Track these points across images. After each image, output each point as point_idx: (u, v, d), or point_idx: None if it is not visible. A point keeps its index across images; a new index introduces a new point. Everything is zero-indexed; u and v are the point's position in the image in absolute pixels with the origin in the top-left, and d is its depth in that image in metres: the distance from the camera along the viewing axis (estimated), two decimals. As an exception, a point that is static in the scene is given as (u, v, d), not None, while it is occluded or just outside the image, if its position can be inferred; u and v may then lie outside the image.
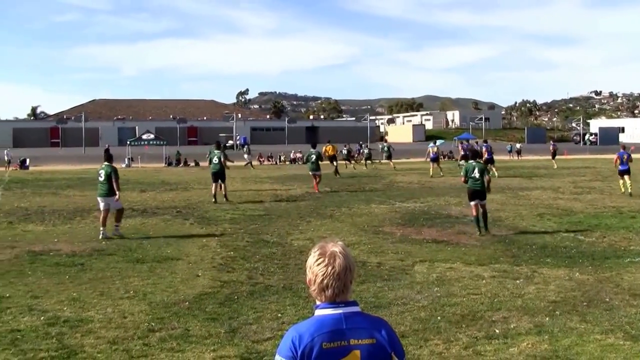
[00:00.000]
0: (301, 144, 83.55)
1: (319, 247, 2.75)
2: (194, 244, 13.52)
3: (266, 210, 19.84)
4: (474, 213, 14.73)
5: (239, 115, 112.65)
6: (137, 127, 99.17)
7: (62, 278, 10.26)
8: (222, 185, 21.83)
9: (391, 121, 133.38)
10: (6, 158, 51.45)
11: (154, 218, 17.86)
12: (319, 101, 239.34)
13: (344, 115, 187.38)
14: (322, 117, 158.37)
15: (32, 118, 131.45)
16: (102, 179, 14.80)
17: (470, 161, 15.14)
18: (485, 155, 32.50)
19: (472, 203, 14.71)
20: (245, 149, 54.57)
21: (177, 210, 19.49)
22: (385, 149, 45.81)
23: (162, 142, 58.31)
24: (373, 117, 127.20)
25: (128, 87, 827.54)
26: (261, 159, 59.71)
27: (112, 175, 14.59)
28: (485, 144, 35.81)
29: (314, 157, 25.84)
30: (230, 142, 56.56)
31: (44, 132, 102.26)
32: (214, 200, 21.41)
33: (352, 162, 48.83)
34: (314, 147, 26.65)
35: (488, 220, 14.84)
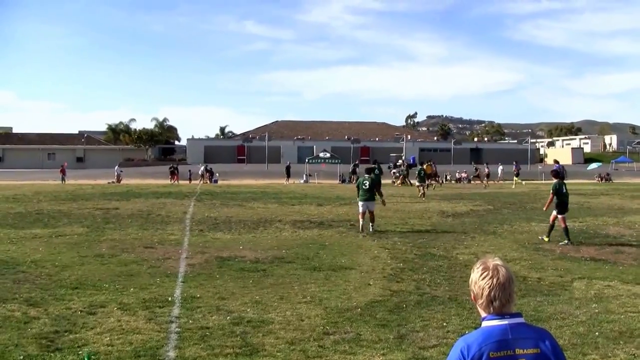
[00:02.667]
0: (466, 164, 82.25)
1: (481, 263, 2.81)
2: (366, 255, 13.77)
3: (433, 225, 19.85)
4: (564, 224, 15.77)
5: (409, 137, 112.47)
6: (314, 146, 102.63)
7: (246, 282, 10.76)
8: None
9: (551, 144, 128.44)
10: (200, 172, 55.62)
11: (330, 230, 18.41)
12: (483, 124, 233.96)
13: (506, 138, 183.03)
14: (485, 139, 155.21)
15: (221, 137, 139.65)
16: (366, 187, 18.23)
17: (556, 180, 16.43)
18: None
19: (562, 216, 15.86)
20: (399, 168, 54.37)
21: (350, 224, 19.95)
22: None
23: (337, 161, 59.90)
24: (534, 140, 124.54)
25: (308, 109, 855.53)
26: (432, 179, 59.35)
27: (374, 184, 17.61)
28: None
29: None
30: (400, 161, 57.00)
31: (231, 150, 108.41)
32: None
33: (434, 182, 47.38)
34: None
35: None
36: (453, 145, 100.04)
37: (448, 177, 60.61)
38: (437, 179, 54.62)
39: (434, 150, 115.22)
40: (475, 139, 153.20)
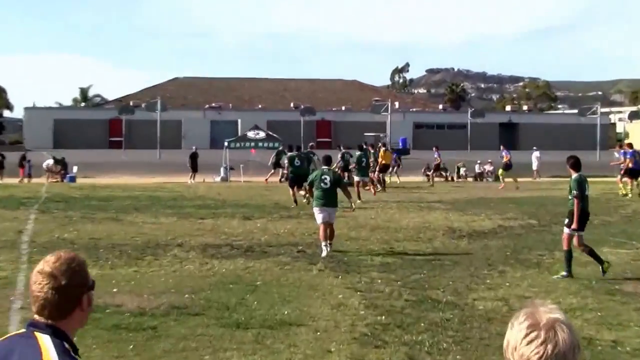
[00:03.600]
0: (491, 149, 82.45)
1: (527, 314, 2.70)
2: (324, 302, 13.84)
3: (436, 251, 20.04)
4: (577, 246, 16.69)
5: (396, 105, 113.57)
6: (239, 121, 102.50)
7: (124, 349, 10.68)
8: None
9: (635, 115, 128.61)
10: (45, 164, 54.53)
11: (264, 260, 18.36)
12: (521, 83, 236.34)
13: (559, 106, 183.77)
14: (525, 108, 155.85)
15: (82, 105, 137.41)
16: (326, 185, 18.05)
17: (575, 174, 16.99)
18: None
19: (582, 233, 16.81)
20: (394, 156, 54.71)
21: (298, 249, 19.99)
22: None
23: (276, 144, 59.68)
24: (606, 110, 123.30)
25: (227, 60, 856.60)
26: (428, 173, 59.67)
27: None
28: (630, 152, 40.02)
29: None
30: (382, 143, 56.66)
31: (99, 127, 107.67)
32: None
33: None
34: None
35: None
36: (470, 118, 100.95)
37: (463, 172, 61.02)
38: (442, 173, 55.03)
39: (438, 127, 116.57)
40: (508, 108, 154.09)
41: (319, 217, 19.62)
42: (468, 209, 31.76)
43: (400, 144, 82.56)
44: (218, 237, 22.36)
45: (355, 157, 39.33)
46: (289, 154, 37.34)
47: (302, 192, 32.65)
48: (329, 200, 19.68)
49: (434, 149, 51.40)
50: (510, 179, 46.60)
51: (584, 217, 16.79)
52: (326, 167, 20.76)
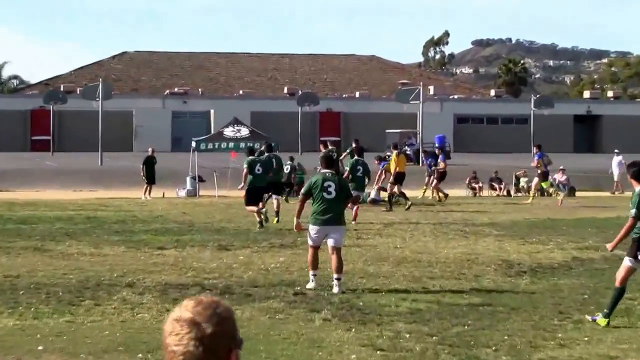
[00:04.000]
0: (563, 151, 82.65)
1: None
2: (329, 365, 13.84)
3: (486, 292, 20.08)
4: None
5: (431, 90, 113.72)
6: (212, 112, 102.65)
7: None
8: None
9: None
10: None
11: (247, 306, 18.39)
12: (605, 60, 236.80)
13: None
14: (610, 94, 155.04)
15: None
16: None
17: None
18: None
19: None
20: (434, 160, 54.73)
21: (295, 291, 19.99)
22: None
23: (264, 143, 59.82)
24: None
25: (194, 28, 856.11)
26: (475, 185, 59.70)
27: None
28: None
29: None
30: (393, 145, 56.09)
31: (16, 121, 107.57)
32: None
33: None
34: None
35: None
36: (534, 108, 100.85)
37: (524, 183, 60.92)
38: (494, 184, 55.04)
39: (490, 121, 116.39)
40: (587, 94, 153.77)
41: (313, 238, 20.00)
42: (531, 235, 31.88)
43: (437, 142, 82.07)
44: (183, 274, 22.38)
45: (349, 163, 39.51)
46: (249, 157, 36.24)
47: (262, 209, 32.95)
48: (333, 215, 19.85)
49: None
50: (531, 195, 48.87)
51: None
52: (328, 170, 20.82)
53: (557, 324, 16.78)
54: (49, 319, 17.04)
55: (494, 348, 14.83)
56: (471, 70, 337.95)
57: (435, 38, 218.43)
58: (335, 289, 19.40)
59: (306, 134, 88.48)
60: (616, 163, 58.62)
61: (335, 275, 19.43)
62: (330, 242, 19.86)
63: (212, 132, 77.23)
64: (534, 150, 51.72)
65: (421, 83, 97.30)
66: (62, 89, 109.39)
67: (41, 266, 23.55)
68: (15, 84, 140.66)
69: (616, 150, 60.71)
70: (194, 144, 61.17)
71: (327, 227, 19.69)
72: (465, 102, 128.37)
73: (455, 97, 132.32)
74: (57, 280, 21.34)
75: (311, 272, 19.69)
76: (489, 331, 16.09)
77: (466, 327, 16.44)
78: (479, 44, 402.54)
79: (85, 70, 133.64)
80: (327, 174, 20.37)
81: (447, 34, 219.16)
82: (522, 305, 18.63)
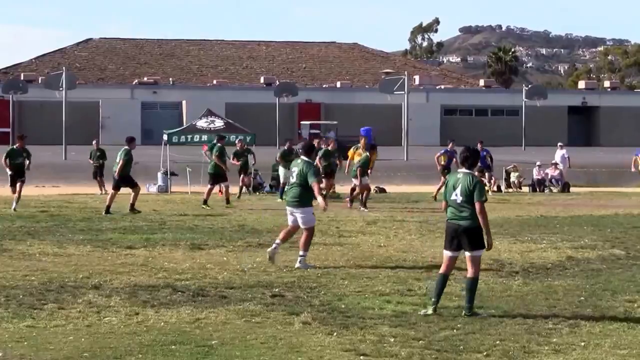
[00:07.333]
0: (556, 145, 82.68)
1: None
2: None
3: (475, 295, 19.98)
4: None
5: (416, 80, 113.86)
6: (183, 104, 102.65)
7: None
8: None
9: None
10: None
11: (222, 309, 18.32)
12: (601, 48, 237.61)
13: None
14: (607, 84, 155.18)
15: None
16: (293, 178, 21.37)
17: None
18: None
19: None
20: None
21: (273, 292, 20.00)
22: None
23: (240, 137, 59.78)
24: None
25: (164, 13, 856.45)
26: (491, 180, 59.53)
27: None
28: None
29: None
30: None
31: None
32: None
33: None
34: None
35: None
36: (526, 98, 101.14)
37: (515, 178, 60.95)
38: (490, 177, 55.03)
39: (478, 113, 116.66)
40: (582, 84, 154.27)
41: (288, 216, 22.63)
42: (523, 234, 32.00)
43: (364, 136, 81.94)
44: (153, 275, 22.31)
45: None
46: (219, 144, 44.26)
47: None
48: (293, 198, 22.19)
49: (478, 145, 50.97)
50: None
51: None
52: (304, 157, 22.74)
53: (552, 327, 16.78)
54: (8, 323, 16.92)
55: (485, 353, 14.79)
56: (459, 59, 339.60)
57: (423, 24, 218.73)
58: (296, 264, 21.85)
59: (283, 125, 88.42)
60: (559, 157, 58.98)
61: (300, 254, 21.86)
62: (298, 220, 22.33)
63: (185, 124, 77.27)
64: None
65: (406, 72, 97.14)
66: (22, 77, 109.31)
67: (0, 267, 23.52)
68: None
69: (560, 144, 61.23)
70: (165, 137, 61.16)
71: (289, 207, 22.46)
72: (452, 92, 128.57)
73: (442, 87, 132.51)
74: (18, 282, 21.25)
75: (276, 240, 21.83)
76: (480, 335, 16.04)
77: (455, 330, 16.41)
78: (467, 30, 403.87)
79: (47, 58, 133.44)
80: (298, 161, 22.65)
81: (437, 20, 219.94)
82: (515, 308, 18.64)
